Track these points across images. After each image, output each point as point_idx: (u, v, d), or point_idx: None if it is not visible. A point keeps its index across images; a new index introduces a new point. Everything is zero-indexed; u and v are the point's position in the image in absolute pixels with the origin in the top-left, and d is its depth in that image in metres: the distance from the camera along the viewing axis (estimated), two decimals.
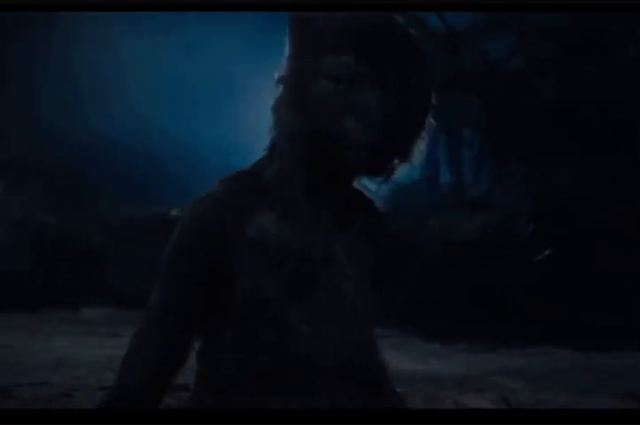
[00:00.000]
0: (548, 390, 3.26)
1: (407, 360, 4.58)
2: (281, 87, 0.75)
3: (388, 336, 7.08)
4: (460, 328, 7.62)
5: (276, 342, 0.74)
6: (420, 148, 0.84)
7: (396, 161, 0.80)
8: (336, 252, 0.79)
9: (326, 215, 0.79)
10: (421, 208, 14.65)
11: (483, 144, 13.73)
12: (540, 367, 4.42)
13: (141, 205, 18.03)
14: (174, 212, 20.27)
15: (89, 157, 19.75)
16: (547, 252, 8.97)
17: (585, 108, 9.70)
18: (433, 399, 2.71)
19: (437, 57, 12.79)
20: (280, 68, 0.75)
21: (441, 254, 10.94)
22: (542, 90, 11.06)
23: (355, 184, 0.86)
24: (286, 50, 0.75)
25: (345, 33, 0.71)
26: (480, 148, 14.02)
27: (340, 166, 0.74)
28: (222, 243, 0.74)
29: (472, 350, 5.82)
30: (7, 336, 4.40)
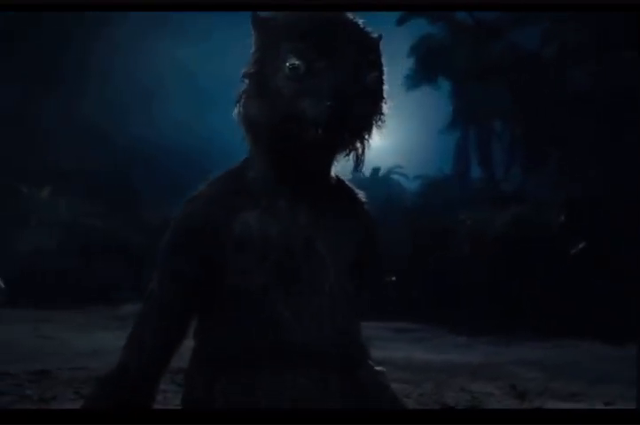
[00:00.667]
0: (560, 380, 3.29)
1: (430, 352, 4.66)
2: (246, 81, 0.80)
3: (419, 331, 7.17)
4: (487, 322, 7.60)
5: (261, 326, 0.79)
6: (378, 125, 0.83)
7: (356, 140, 0.81)
8: (316, 244, 0.82)
9: (306, 208, 0.82)
10: (452, 203, 14.51)
11: (514, 136, 13.46)
12: (558, 358, 4.40)
13: (180, 206, 18.51)
14: None
15: (130, 160, 20.47)
16: (581, 246, 8.79)
17: (623, 96, 9.37)
18: (441, 385, 2.82)
19: (465, 50, 12.64)
20: (246, 64, 0.79)
21: (472, 249, 10.86)
22: (576, 78, 10.72)
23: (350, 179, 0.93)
24: (252, 46, 0.79)
25: (299, 25, 0.75)
26: (510, 140, 13.75)
27: (301, 147, 0.76)
28: (211, 238, 0.79)
29: (495, 342, 5.80)
30: (54, 328, 4.79)
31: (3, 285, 11.52)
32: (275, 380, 0.79)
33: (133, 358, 0.81)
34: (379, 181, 24.90)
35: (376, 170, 26.60)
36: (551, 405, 2.44)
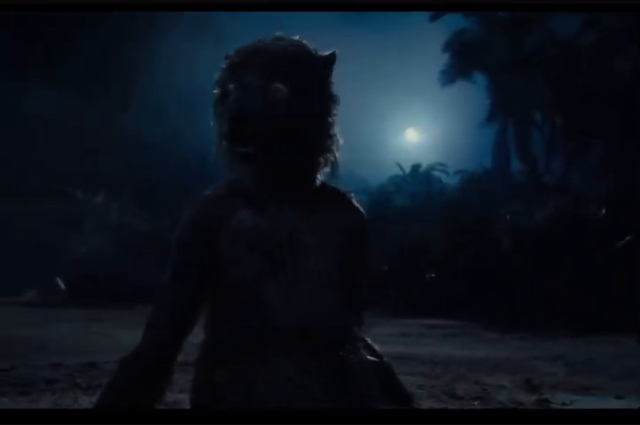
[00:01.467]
0: (581, 375, 3.31)
1: (457, 347, 4.72)
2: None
3: (452, 327, 7.18)
4: (522, 319, 7.51)
5: (255, 311, 0.87)
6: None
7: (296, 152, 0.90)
8: (301, 236, 0.91)
9: (293, 206, 0.92)
10: (492, 198, 14.29)
11: (554, 128, 13.08)
12: (587, 353, 4.37)
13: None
14: None
15: (179, 165, 21.28)
16: (624, 240, 8.52)
17: None
18: (458, 378, 2.93)
19: (500, 42, 12.40)
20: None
21: (511, 245, 10.69)
22: (616, 67, 10.31)
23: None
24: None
25: (228, 60, 0.91)
26: (550, 132, 13.37)
27: (239, 164, 0.89)
28: (211, 234, 0.90)
29: (527, 338, 5.78)
30: (105, 326, 5.19)
31: (63, 286, 12.28)
32: (266, 364, 0.86)
33: (148, 341, 0.90)
34: (420, 177, 24.66)
35: (416, 167, 26.33)
36: (560, 398, 2.52)
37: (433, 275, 12.22)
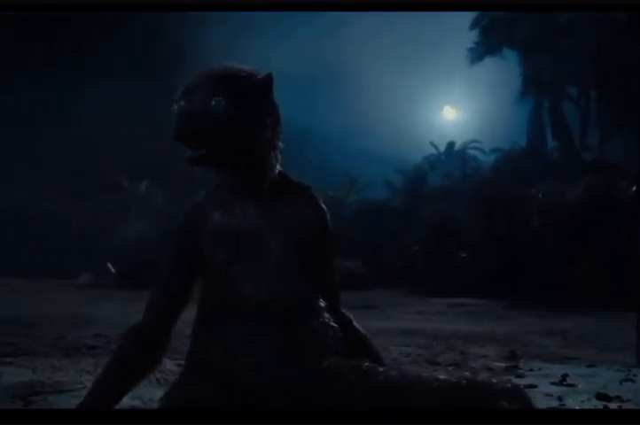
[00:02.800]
0: (572, 348, 3.52)
1: (468, 324, 4.97)
2: None
3: (472, 305, 7.35)
4: (548, 298, 7.59)
5: (226, 291, 1.10)
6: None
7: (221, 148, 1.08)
8: (261, 229, 1.13)
9: (255, 205, 1.13)
10: (526, 176, 14.08)
11: (589, 102, 12.69)
12: (589, 329, 4.53)
13: None
14: None
15: None
16: None
17: None
18: (447, 349, 3.22)
19: (530, 17, 12.05)
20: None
21: (541, 224, 10.63)
22: None
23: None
24: None
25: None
26: (585, 107, 12.97)
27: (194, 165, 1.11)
28: (194, 233, 1.15)
29: (544, 315, 5.90)
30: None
31: (113, 270, 13.16)
32: (234, 328, 1.09)
33: (149, 315, 1.14)
34: (454, 156, 24.28)
35: (451, 145, 25.89)
36: (530, 365, 2.78)
37: (464, 255, 12.29)
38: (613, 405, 1.86)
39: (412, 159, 23.05)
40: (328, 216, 1.21)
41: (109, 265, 12.63)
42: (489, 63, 14.81)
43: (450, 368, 2.58)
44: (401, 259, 12.35)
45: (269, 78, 1.11)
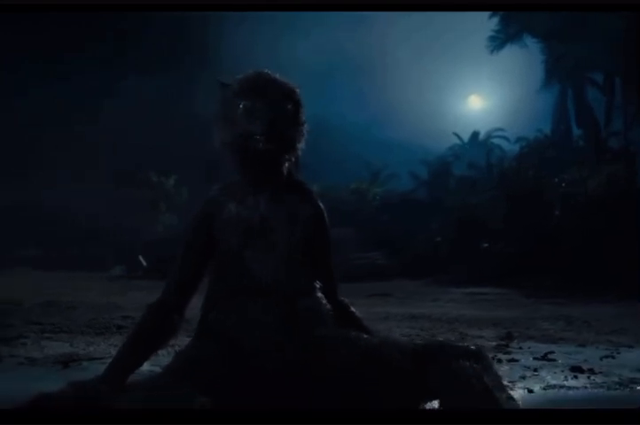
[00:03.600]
0: (573, 331, 3.65)
1: (477, 309, 5.12)
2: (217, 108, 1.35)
3: (491, 294, 7.45)
4: (567, 286, 7.62)
5: (238, 271, 1.31)
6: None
7: (286, 151, 1.32)
8: (270, 219, 1.34)
9: (264, 197, 1.34)
10: (550, 165, 13.92)
11: (614, 90, 12.42)
12: (599, 315, 4.62)
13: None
14: (314, 189, 21.84)
15: None
16: None
17: None
18: (447, 331, 3.42)
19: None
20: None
21: (563, 214, 10.58)
22: None
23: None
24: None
25: (243, 86, 1.32)
26: (610, 93, 12.69)
27: (254, 157, 1.27)
28: (209, 221, 1.36)
29: (561, 303, 5.98)
30: None
31: (144, 263, 13.68)
32: (243, 306, 1.30)
33: (166, 292, 1.35)
34: (479, 145, 24.03)
35: (475, 134, 25.59)
36: (520, 344, 2.95)
37: (486, 245, 12.31)
38: (584, 377, 2.06)
39: (437, 150, 22.95)
40: (325, 214, 1.43)
41: (140, 258, 13.15)
42: (516, 51, 14.65)
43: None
44: (424, 250, 12.45)
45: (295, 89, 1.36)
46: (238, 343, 1.27)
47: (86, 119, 19.18)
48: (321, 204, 1.44)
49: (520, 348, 2.79)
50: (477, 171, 19.98)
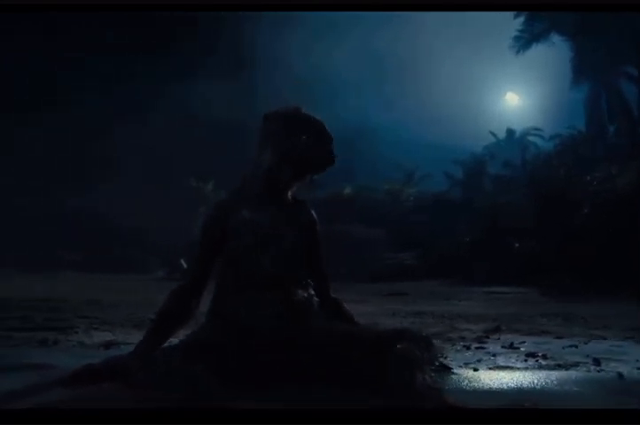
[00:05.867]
0: (564, 326, 3.89)
1: (483, 307, 5.36)
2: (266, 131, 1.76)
3: (513, 293, 7.63)
4: (593, 285, 7.68)
5: (248, 267, 1.65)
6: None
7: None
8: (278, 225, 1.69)
9: (273, 208, 1.70)
10: (583, 162, 13.79)
11: None
12: (600, 311, 4.80)
13: (320, 187, 20.32)
14: (347, 191, 22.12)
15: None
16: None
17: None
18: (442, 325, 3.73)
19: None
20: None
21: (593, 212, 10.54)
22: None
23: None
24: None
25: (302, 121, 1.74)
26: None
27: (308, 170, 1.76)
28: (222, 224, 1.69)
29: (574, 300, 6.10)
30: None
31: (185, 265, 14.38)
32: (253, 295, 1.65)
33: (186, 278, 1.74)
34: (514, 143, 23.77)
35: (511, 132, 25.31)
36: (507, 337, 3.23)
37: (517, 245, 12.34)
38: (532, 360, 2.38)
39: (472, 149, 22.84)
40: (317, 224, 1.80)
41: (182, 261, 13.90)
42: (547, 47, 14.55)
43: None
44: (449, 250, 12.63)
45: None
46: (246, 331, 1.59)
47: (130, 126, 20.11)
48: (314, 215, 1.81)
49: (498, 339, 3.09)
50: (512, 169, 19.82)
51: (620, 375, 1.99)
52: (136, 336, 2.97)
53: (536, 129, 22.65)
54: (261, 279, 1.65)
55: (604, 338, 3.17)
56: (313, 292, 1.73)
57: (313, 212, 1.81)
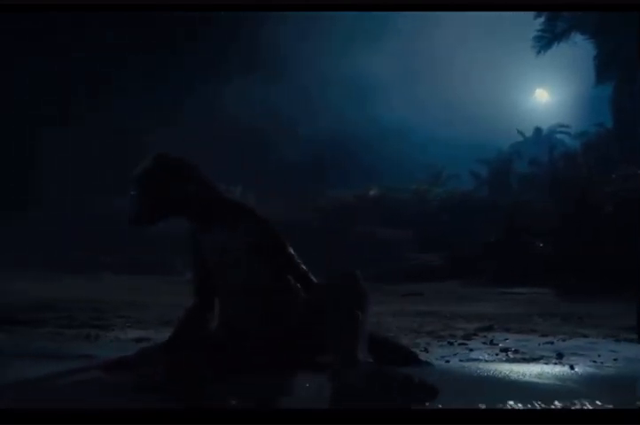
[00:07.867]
0: (557, 325, 4.14)
1: (488, 307, 5.59)
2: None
3: (530, 294, 7.75)
4: (611, 285, 7.73)
5: (224, 278, 1.92)
6: None
7: None
8: (232, 240, 1.89)
9: (225, 227, 1.89)
10: (609, 161, 13.69)
11: None
12: (600, 311, 4.98)
13: (341, 188, 20.61)
14: (372, 192, 22.36)
15: (318, 153, 22.97)
16: None
17: None
18: (441, 323, 4.03)
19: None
20: None
21: (614, 211, 10.53)
22: None
23: None
24: None
25: None
26: None
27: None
28: (196, 246, 2.00)
29: (583, 300, 6.24)
30: None
31: None
32: (235, 301, 1.91)
33: (194, 295, 2.11)
34: (541, 141, 23.53)
35: (538, 130, 25.03)
36: (495, 335, 3.51)
37: (541, 245, 12.38)
38: (503, 354, 2.69)
39: (499, 147, 22.71)
40: (269, 224, 1.91)
41: None
42: (573, 45, 14.45)
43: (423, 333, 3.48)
44: (470, 251, 12.77)
45: None
46: (244, 334, 1.85)
47: (161, 130, 20.77)
48: (262, 219, 1.91)
49: (485, 336, 3.41)
50: (538, 168, 19.69)
51: (572, 367, 2.29)
52: (164, 334, 3.43)
53: (563, 126, 22.35)
54: (236, 289, 1.89)
55: (585, 336, 3.41)
56: (296, 294, 1.89)
57: (259, 217, 1.93)
